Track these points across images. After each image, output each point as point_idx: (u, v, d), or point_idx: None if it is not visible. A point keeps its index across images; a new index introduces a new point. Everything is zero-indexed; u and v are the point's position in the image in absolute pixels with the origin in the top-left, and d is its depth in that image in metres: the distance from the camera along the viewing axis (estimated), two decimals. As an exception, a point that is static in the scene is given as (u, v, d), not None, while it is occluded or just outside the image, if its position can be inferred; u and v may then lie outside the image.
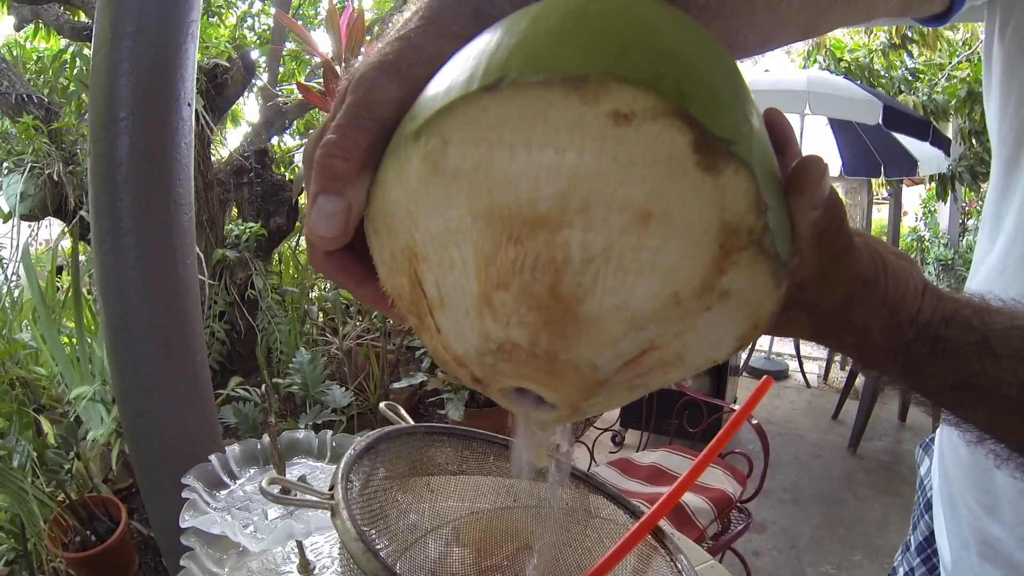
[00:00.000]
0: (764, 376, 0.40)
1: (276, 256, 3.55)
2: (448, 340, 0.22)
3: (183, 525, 0.65)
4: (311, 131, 4.21)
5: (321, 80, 3.02)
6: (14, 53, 3.93)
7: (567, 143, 0.18)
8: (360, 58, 0.28)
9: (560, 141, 0.18)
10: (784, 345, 4.73)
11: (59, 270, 2.61)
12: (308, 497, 0.28)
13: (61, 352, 2.20)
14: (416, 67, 0.25)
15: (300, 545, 0.75)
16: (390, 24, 0.28)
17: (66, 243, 2.76)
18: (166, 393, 1.02)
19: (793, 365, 4.48)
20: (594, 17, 0.20)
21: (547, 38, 0.20)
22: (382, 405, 0.39)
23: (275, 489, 0.29)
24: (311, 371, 2.17)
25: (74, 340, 2.26)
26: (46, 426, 1.76)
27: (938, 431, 0.61)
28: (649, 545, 0.36)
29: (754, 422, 1.86)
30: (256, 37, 5.10)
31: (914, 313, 0.32)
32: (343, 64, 2.95)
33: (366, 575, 0.24)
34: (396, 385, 2.80)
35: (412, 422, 0.37)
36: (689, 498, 1.65)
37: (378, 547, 0.27)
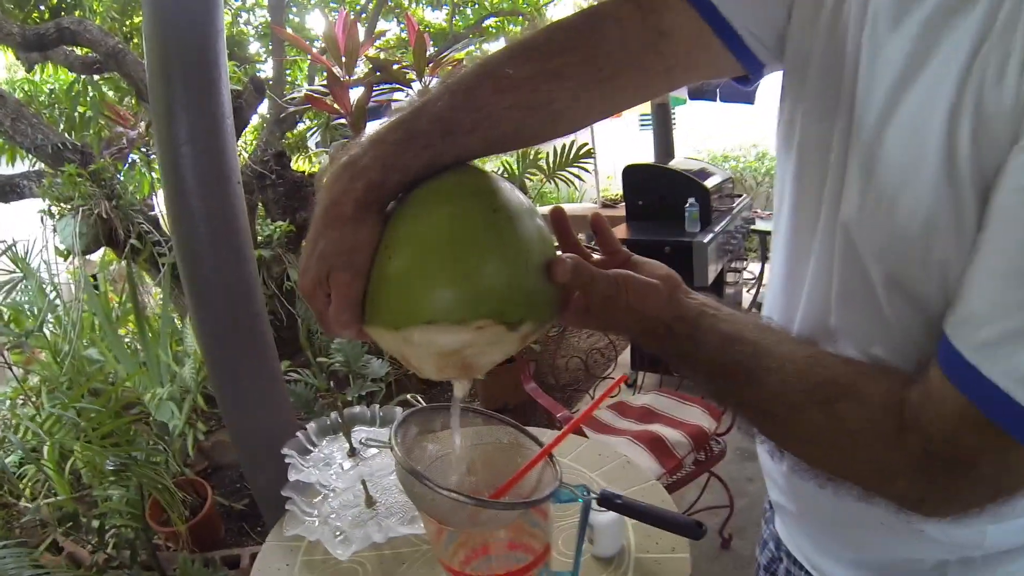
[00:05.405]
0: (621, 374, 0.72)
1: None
2: (418, 371, 0.53)
3: (291, 479, 1.01)
4: (318, 123, 4.36)
5: (326, 82, 3.25)
6: (26, 89, 4.26)
7: (464, 335, 0.46)
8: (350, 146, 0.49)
9: (462, 335, 0.46)
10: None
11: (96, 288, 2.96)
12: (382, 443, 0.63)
13: (130, 362, 2.61)
14: (366, 257, 0.47)
15: (364, 484, 1.10)
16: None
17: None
18: (255, 394, 1.35)
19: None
20: (468, 279, 0.46)
21: (441, 297, 0.45)
22: (408, 396, 0.73)
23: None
24: (351, 349, 2.45)
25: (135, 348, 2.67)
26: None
27: None
28: (546, 463, 0.68)
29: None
30: (253, 30, 5.32)
31: (657, 313, 0.51)
32: (343, 69, 3.23)
33: (410, 474, 0.58)
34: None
35: (424, 403, 0.71)
36: (668, 432, 1.95)
37: (416, 465, 0.60)
